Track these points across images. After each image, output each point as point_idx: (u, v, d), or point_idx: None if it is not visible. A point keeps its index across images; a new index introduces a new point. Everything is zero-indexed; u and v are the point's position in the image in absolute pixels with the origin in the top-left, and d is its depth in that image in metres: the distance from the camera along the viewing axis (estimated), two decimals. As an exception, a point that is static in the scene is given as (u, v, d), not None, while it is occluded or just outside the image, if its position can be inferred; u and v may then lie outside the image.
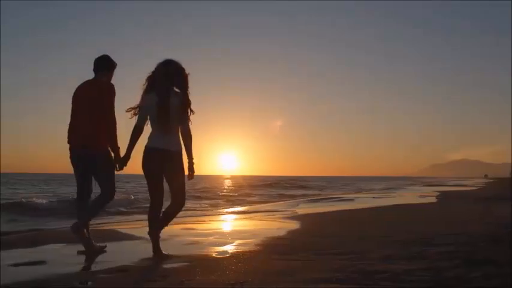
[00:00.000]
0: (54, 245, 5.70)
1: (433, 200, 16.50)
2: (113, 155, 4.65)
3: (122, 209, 11.89)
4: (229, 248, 5.25)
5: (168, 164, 4.38)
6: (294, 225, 7.56)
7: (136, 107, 4.44)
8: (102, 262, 4.43)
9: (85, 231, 4.67)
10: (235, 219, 9.66)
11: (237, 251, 5.02)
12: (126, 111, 4.45)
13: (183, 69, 4.38)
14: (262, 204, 15.60)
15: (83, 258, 4.71)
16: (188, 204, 15.89)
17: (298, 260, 4.33)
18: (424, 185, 42.35)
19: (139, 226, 7.90)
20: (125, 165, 4.61)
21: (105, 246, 4.93)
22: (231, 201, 18.27)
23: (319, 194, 23.79)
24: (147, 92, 4.39)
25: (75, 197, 4.97)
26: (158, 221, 4.56)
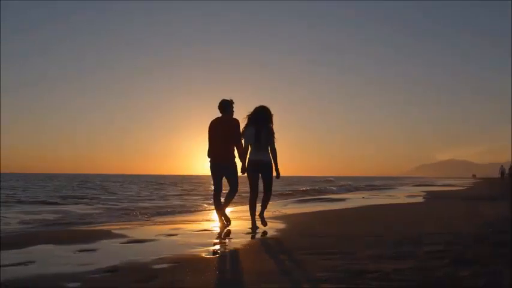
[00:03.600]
0: (44, 246, 5.66)
1: (421, 199, 16.60)
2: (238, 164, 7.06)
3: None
4: (219, 248, 5.25)
5: (263, 169, 6.76)
6: (283, 225, 7.57)
7: (242, 135, 6.86)
8: (91, 263, 4.41)
9: (221, 216, 7.25)
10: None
11: (227, 251, 5.02)
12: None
13: (270, 111, 6.84)
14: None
15: (72, 258, 4.69)
16: (174, 202, 15.86)
17: (287, 260, 4.34)
18: (413, 185, 42.56)
19: (133, 227, 7.89)
20: (245, 171, 6.86)
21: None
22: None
23: (308, 195, 23.80)
24: (248, 125, 6.80)
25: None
26: (255, 206, 6.95)
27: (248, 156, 6.82)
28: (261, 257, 4.64)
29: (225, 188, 7.28)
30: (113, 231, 7.05)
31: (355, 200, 17.16)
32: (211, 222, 8.77)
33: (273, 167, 6.83)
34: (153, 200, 18.66)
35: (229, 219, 7.34)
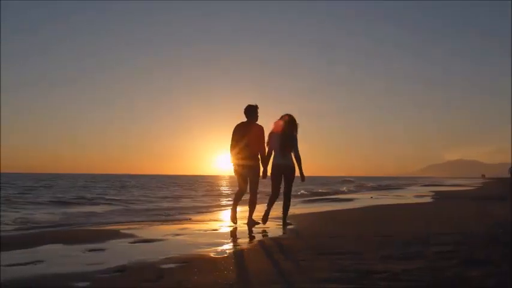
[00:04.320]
0: (52, 246, 5.69)
1: (430, 200, 16.51)
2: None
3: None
4: (227, 248, 5.25)
5: (286, 172, 7.22)
6: (291, 225, 7.55)
7: (267, 142, 7.23)
8: (100, 262, 4.43)
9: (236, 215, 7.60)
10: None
11: (235, 251, 5.01)
12: (265, 145, 7.25)
13: (295, 120, 7.25)
14: (258, 205, 15.55)
15: (81, 258, 4.72)
16: (181, 204, 15.89)
17: (296, 260, 4.32)
18: (421, 185, 42.38)
19: (141, 227, 7.92)
20: (266, 176, 7.33)
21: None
22: (226, 201, 18.28)
23: (316, 194, 23.76)
24: (273, 132, 7.21)
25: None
26: (273, 205, 7.31)
27: (272, 160, 7.25)
28: (269, 257, 4.63)
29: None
30: (121, 231, 7.08)
31: (363, 200, 17.11)
32: (219, 222, 8.78)
33: (296, 171, 7.25)
34: (162, 200, 18.71)
35: (257, 222, 7.46)
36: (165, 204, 15.77)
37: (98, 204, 15.86)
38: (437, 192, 22.98)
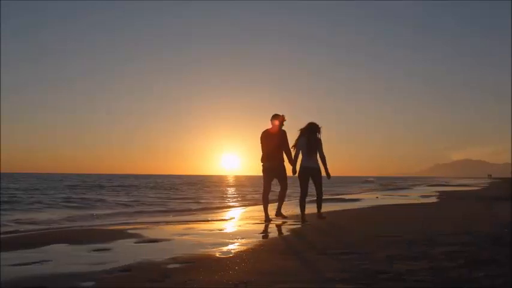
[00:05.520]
0: (59, 245, 5.72)
1: (436, 200, 16.46)
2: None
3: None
4: (232, 248, 5.25)
5: (313, 174, 7.85)
6: (297, 225, 7.56)
7: (294, 145, 7.93)
8: (105, 262, 4.45)
9: (280, 210, 8.26)
10: (237, 219, 9.67)
11: (240, 251, 5.02)
12: (291, 148, 7.98)
13: (318, 126, 7.94)
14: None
15: (86, 258, 4.74)
16: (187, 205, 15.92)
17: (301, 260, 4.33)
18: (427, 185, 42.24)
19: (147, 227, 7.94)
20: (295, 173, 7.92)
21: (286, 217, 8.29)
22: (232, 201, 18.30)
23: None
24: (300, 136, 7.91)
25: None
26: (305, 203, 8.02)
27: (300, 162, 7.93)
28: (275, 257, 4.63)
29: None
30: (127, 231, 7.10)
31: (369, 200, 17.07)
32: (225, 222, 8.79)
33: (322, 172, 7.91)
34: (167, 200, 18.75)
35: (285, 216, 8.28)
36: (180, 205, 15.81)
37: (103, 203, 15.93)
38: (443, 192, 22.91)
